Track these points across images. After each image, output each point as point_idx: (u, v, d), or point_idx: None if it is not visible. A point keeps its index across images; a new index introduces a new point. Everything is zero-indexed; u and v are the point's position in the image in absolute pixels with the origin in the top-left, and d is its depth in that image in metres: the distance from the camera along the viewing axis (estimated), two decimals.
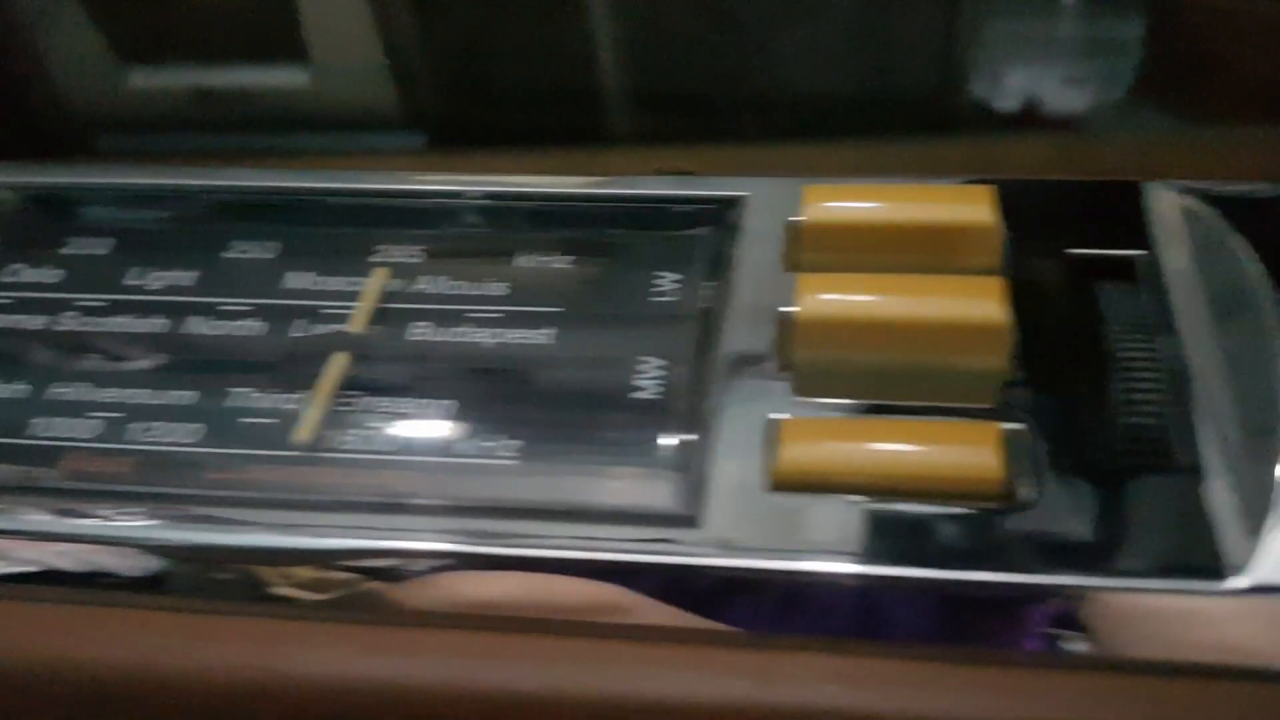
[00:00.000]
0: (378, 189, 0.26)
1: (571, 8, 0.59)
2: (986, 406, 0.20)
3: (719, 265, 0.23)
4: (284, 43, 0.60)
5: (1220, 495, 0.18)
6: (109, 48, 0.62)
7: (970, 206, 0.22)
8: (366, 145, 0.62)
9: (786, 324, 0.21)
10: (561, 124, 0.60)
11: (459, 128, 0.64)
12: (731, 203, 0.24)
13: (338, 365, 0.23)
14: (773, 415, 0.20)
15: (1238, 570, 0.18)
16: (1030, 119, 0.58)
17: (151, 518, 0.21)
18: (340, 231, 0.26)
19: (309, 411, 0.22)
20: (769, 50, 0.60)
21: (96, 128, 0.65)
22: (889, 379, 0.21)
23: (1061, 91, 0.59)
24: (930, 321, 0.20)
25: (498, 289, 0.24)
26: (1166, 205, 0.23)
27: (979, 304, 0.20)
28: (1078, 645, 0.18)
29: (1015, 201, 0.23)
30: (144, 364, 0.24)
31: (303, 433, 0.22)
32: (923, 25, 0.59)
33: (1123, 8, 0.58)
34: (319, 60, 0.61)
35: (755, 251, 0.23)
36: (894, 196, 0.22)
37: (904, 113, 0.59)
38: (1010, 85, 0.58)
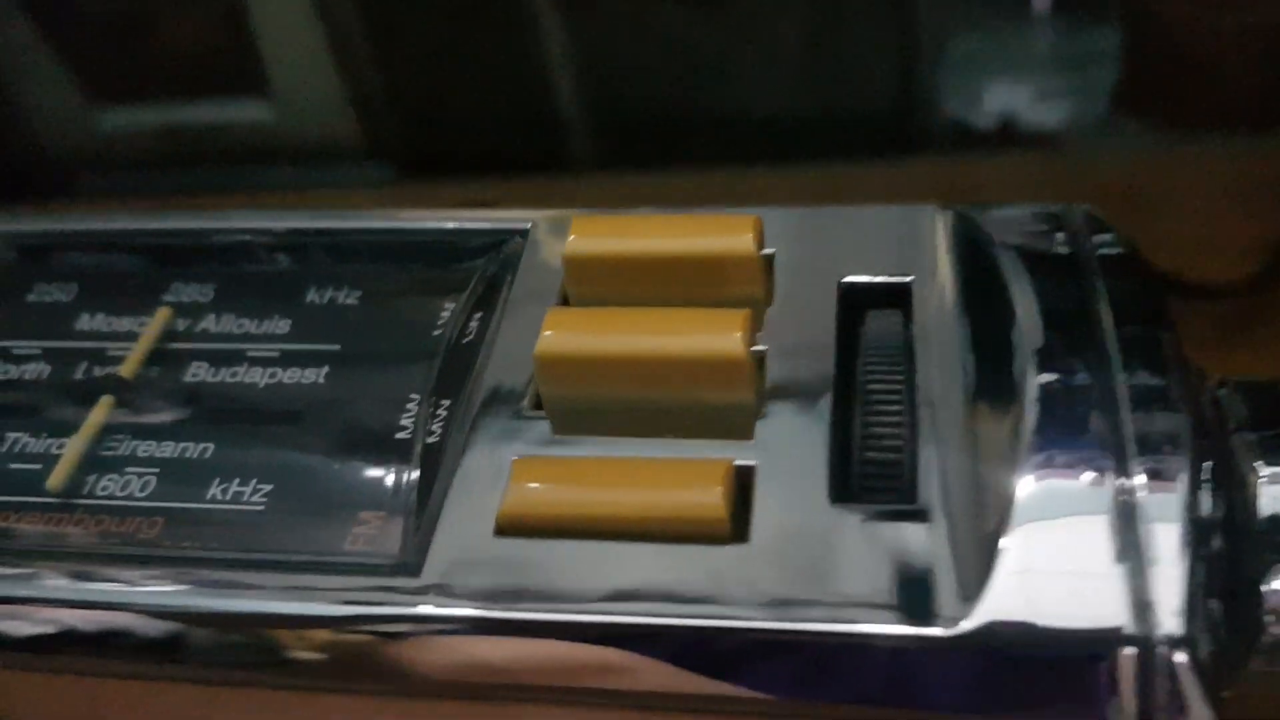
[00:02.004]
0: (172, 228, 0.25)
1: (530, 38, 0.58)
2: (745, 441, 0.19)
3: (491, 298, 0.22)
4: (248, 80, 0.60)
5: (946, 547, 0.17)
6: (82, 91, 0.62)
7: (730, 237, 0.21)
8: (333, 178, 0.61)
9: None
10: (524, 152, 0.59)
11: (423, 158, 0.63)
12: (513, 235, 0.23)
13: (101, 409, 0.22)
14: (515, 456, 0.19)
15: (951, 619, 0.16)
16: (1004, 137, 0.56)
17: None
18: (135, 272, 0.25)
19: (65, 457, 0.21)
20: (727, 74, 0.59)
21: (70, 169, 0.65)
22: (640, 415, 0.19)
23: (1036, 108, 0.57)
24: (666, 356, 0.19)
25: (280, 327, 0.23)
26: (947, 230, 0.21)
27: (718, 337, 0.19)
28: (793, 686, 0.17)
29: (787, 230, 0.22)
30: None
31: (55, 479, 0.21)
32: (887, 44, 0.58)
33: (1097, 21, 0.56)
34: (282, 96, 0.60)
35: (531, 284, 0.22)
36: (657, 229, 0.21)
37: (870, 134, 0.57)
38: (982, 103, 0.57)
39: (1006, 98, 0.57)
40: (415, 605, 0.17)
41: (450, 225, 0.23)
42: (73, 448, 0.21)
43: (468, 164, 0.59)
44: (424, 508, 0.19)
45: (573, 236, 0.21)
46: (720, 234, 0.21)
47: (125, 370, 0.22)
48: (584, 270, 0.21)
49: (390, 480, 0.20)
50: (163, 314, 0.23)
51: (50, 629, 0.19)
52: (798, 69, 0.59)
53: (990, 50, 0.58)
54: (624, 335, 0.19)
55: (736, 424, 0.19)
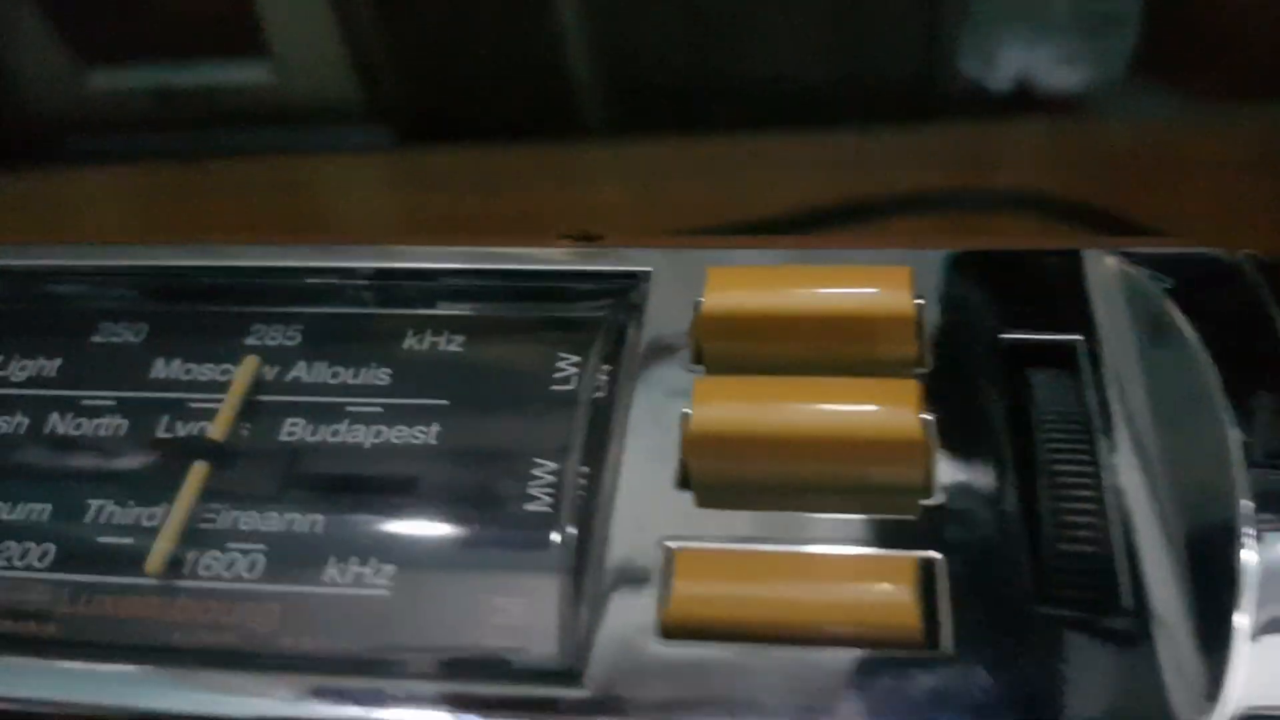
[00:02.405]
0: (251, 265, 0.23)
1: None
2: (909, 519, 0.18)
3: (617, 351, 0.20)
4: (246, 40, 0.57)
5: (1169, 639, 0.16)
6: (71, 50, 0.59)
7: (885, 293, 0.19)
8: (331, 141, 0.59)
9: (684, 431, 0.18)
10: (532, 117, 0.57)
11: (425, 122, 0.61)
12: (634, 278, 0.21)
13: (196, 477, 0.20)
14: (668, 541, 0.18)
15: None
16: (1025, 103, 0.54)
17: None
18: (213, 312, 0.23)
19: (162, 535, 0.19)
20: (745, 36, 0.56)
21: (61, 131, 0.62)
22: (799, 492, 0.18)
23: (1056, 72, 0.55)
24: (835, 436, 0.17)
25: (380, 377, 0.21)
26: (1109, 277, 0.20)
27: (891, 414, 0.17)
28: None
29: (938, 277, 0.20)
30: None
31: (153, 562, 0.19)
32: (910, 7, 0.56)
33: None
34: (281, 56, 0.58)
35: (658, 335, 0.20)
36: (802, 281, 0.19)
37: (888, 98, 0.55)
38: (1001, 66, 0.55)
39: (1028, 63, 0.55)
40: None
41: (561, 267, 0.21)
42: (170, 524, 0.19)
43: (473, 129, 0.57)
44: (573, 602, 0.17)
45: (711, 292, 0.19)
46: (872, 289, 0.19)
47: (216, 432, 0.20)
48: (723, 327, 0.19)
49: (529, 562, 0.18)
50: (250, 363, 0.21)
51: None
52: (818, 33, 0.56)
53: (1012, 16, 0.56)
54: (784, 409, 0.18)
55: (901, 501, 0.18)
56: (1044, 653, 0.16)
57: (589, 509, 0.18)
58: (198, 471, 0.20)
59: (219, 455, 0.20)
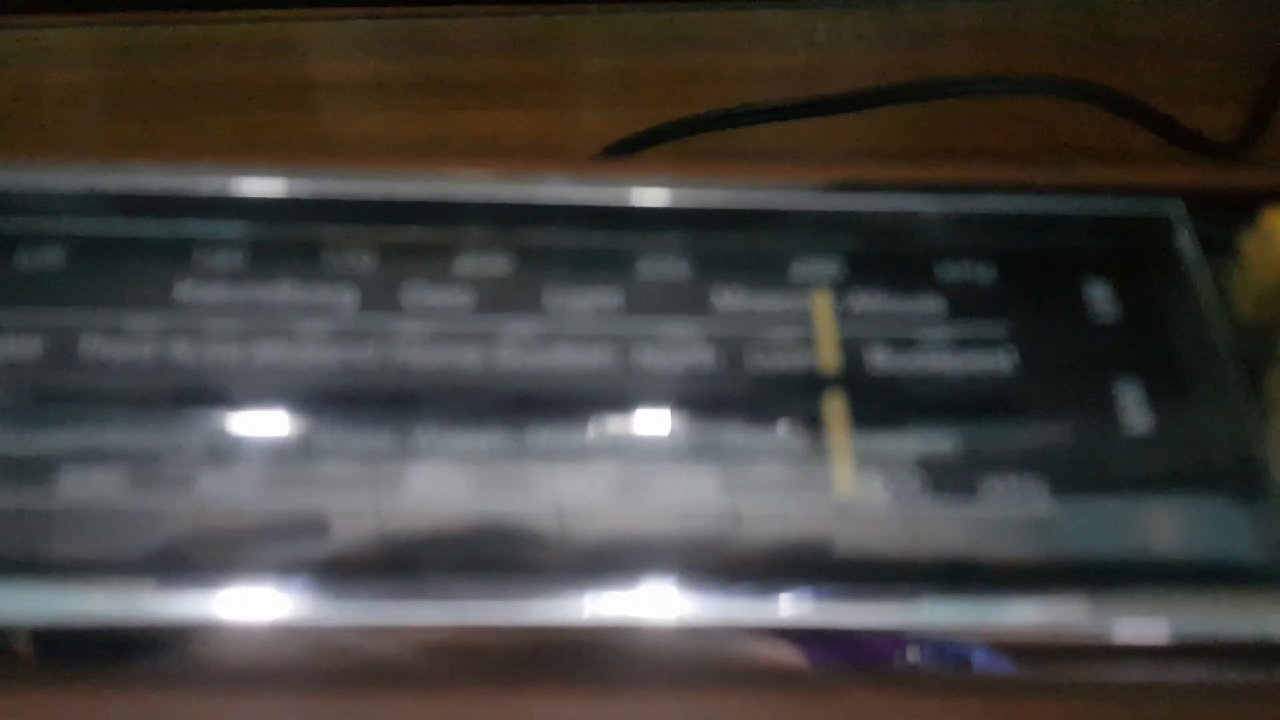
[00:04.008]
0: (795, 209, 0.24)
1: None
2: None
3: (1163, 284, 0.23)
4: None
5: None
6: None
7: None
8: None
9: None
10: None
11: None
12: (1157, 221, 0.24)
13: (837, 405, 0.22)
14: None
15: None
16: None
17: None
18: (754, 245, 0.24)
19: (837, 458, 0.21)
20: None
21: None
22: None
23: None
24: None
25: (934, 306, 0.23)
26: None
27: None
28: None
29: None
30: (618, 410, 0.22)
31: (841, 482, 0.21)
32: None
33: None
34: None
35: (1199, 272, 0.23)
36: None
37: None
38: None
39: None
40: None
41: (1077, 209, 0.24)
42: (838, 448, 0.21)
43: None
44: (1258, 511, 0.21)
45: None
46: None
47: (826, 361, 0.22)
48: None
49: (1175, 481, 0.21)
50: (824, 294, 0.23)
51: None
52: None
53: None
54: None
55: None
56: None
57: (1222, 435, 0.21)
58: (835, 401, 0.22)
59: (841, 383, 0.22)
